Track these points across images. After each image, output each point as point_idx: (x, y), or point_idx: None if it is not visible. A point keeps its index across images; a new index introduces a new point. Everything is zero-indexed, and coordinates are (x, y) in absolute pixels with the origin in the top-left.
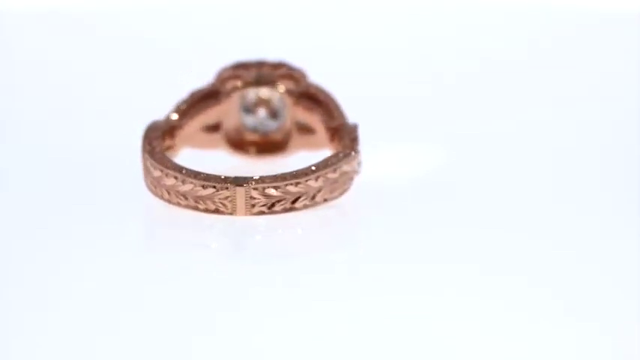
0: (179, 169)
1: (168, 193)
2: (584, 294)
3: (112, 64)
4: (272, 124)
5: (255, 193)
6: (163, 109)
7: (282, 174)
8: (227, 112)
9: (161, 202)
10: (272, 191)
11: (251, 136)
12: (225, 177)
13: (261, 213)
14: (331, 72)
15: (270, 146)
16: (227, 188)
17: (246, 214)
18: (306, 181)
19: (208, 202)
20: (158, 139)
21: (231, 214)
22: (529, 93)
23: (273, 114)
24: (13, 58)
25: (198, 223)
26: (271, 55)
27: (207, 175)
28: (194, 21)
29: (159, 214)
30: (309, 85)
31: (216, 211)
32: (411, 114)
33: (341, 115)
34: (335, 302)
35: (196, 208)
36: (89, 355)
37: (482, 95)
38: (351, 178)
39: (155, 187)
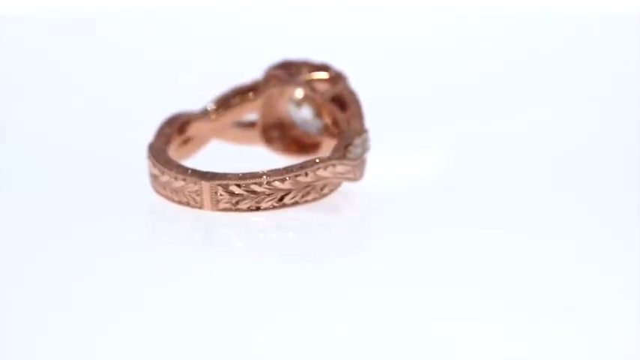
0: (162, 159)
1: (155, 182)
2: (587, 294)
3: (119, 65)
4: (314, 124)
5: (219, 190)
6: (170, 109)
7: (249, 172)
8: (267, 109)
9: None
10: (236, 189)
11: (294, 134)
12: (193, 171)
13: (227, 209)
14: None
15: (309, 145)
16: (194, 182)
17: (212, 209)
18: (271, 182)
19: (181, 194)
20: (169, 131)
21: (200, 208)
22: (530, 95)
23: (316, 114)
24: (18, 58)
25: (198, 221)
26: (268, 56)
27: (179, 167)
28: (209, 22)
29: (159, 212)
30: (343, 89)
31: (188, 204)
32: (413, 116)
33: (357, 121)
34: (335, 303)
35: (173, 200)
36: (89, 355)
37: (484, 97)
38: (335, 184)
39: (150, 177)
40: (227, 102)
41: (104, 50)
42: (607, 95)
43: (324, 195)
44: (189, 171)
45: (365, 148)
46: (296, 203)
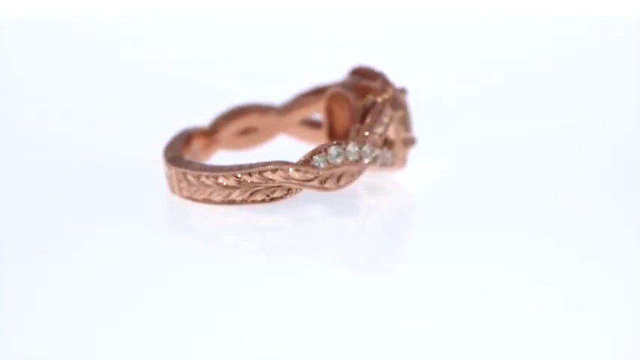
0: (170, 140)
1: None
2: (599, 294)
3: (141, 69)
4: None
5: (181, 177)
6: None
7: (203, 164)
8: (332, 111)
9: None
10: (191, 179)
11: None
12: (172, 155)
13: (188, 198)
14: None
15: None
16: (168, 167)
17: (179, 195)
18: (217, 176)
19: (165, 176)
20: (222, 118)
21: (172, 192)
22: (533, 98)
23: None
24: (49, 62)
25: (200, 219)
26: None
27: (166, 149)
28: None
29: (161, 210)
30: (376, 101)
31: (169, 187)
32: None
33: (360, 131)
34: (337, 302)
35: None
36: (87, 354)
37: (490, 99)
38: (293, 190)
39: None
40: (298, 100)
41: (132, 55)
42: (610, 97)
43: (276, 198)
44: (169, 154)
45: (347, 159)
46: (244, 201)
